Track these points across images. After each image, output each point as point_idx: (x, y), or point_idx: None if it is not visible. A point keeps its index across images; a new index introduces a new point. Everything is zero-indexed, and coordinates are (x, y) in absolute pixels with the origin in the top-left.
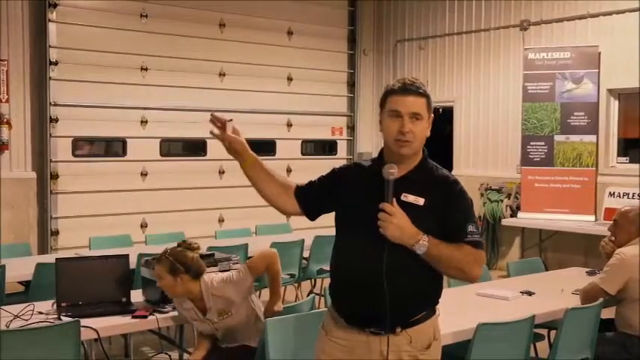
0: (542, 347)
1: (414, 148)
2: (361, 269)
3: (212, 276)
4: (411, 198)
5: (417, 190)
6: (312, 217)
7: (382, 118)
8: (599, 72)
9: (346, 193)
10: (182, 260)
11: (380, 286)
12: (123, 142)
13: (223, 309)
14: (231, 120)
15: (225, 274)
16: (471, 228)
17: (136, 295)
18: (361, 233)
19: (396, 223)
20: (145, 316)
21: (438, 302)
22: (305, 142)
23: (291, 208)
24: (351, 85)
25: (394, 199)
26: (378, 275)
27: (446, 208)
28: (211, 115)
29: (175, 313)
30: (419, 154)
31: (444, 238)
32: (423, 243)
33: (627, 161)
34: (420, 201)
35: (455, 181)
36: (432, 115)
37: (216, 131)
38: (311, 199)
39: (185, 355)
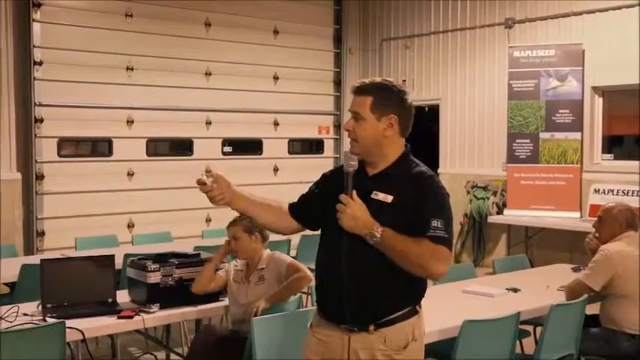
0: (528, 343)
1: (361, 147)
2: (328, 265)
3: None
4: (380, 196)
5: (390, 186)
6: (313, 228)
7: None
8: (583, 70)
9: (330, 195)
10: (254, 223)
11: (342, 282)
12: (109, 142)
13: (264, 275)
14: (208, 172)
15: (287, 256)
16: (435, 223)
17: (122, 296)
18: (331, 230)
19: (349, 213)
20: (131, 317)
21: (418, 302)
22: (292, 141)
23: (290, 228)
24: (338, 83)
25: (354, 191)
26: (340, 271)
27: (413, 204)
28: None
29: (162, 312)
30: (395, 152)
31: (411, 234)
32: (374, 233)
33: (612, 158)
34: (389, 198)
35: (429, 177)
36: (393, 115)
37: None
38: (305, 212)
39: (172, 355)
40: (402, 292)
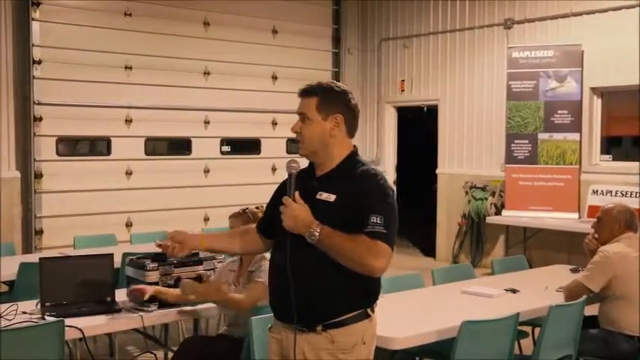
0: (527, 344)
1: (307, 149)
2: (275, 266)
3: None
4: (324, 195)
5: (335, 186)
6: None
7: None
8: (582, 70)
9: (277, 202)
10: (257, 219)
11: (288, 282)
12: (107, 141)
13: (253, 279)
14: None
15: None
16: (374, 219)
17: (121, 295)
18: (278, 233)
19: (288, 214)
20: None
21: (370, 306)
22: (290, 140)
23: (265, 246)
24: None
25: (296, 193)
26: (285, 271)
27: (355, 202)
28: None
29: (160, 311)
30: (341, 152)
31: (353, 232)
32: (313, 232)
33: (610, 159)
34: (332, 197)
35: (372, 175)
36: (338, 114)
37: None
38: (267, 225)
39: (170, 354)
40: (350, 294)
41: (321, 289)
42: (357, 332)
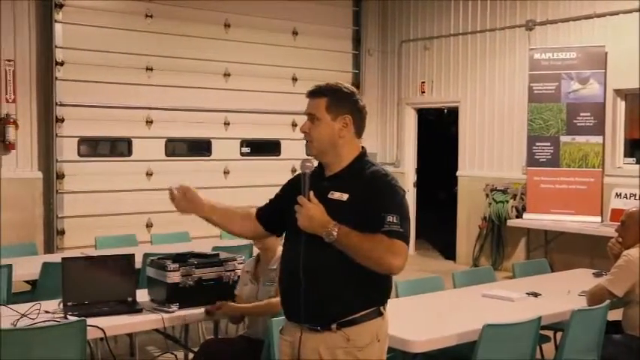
0: (549, 349)
1: (316, 149)
2: (288, 266)
3: None
4: (336, 195)
5: (346, 186)
6: (276, 233)
7: None
8: (605, 72)
9: (290, 198)
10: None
11: (300, 282)
12: (128, 142)
13: (275, 277)
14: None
15: None
16: (390, 218)
17: (142, 295)
18: (290, 232)
19: (305, 214)
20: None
21: (382, 304)
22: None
23: (255, 232)
24: (356, 85)
25: (311, 192)
26: (299, 271)
27: (368, 201)
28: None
29: (181, 312)
30: (350, 153)
31: (368, 231)
32: (331, 231)
33: (634, 162)
34: (344, 197)
35: (384, 175)
36: (347, 115)
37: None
38: (269, 216)
39: (190, 355)
40: (364, 292)
41: (335, 288)
42: (372, 330)
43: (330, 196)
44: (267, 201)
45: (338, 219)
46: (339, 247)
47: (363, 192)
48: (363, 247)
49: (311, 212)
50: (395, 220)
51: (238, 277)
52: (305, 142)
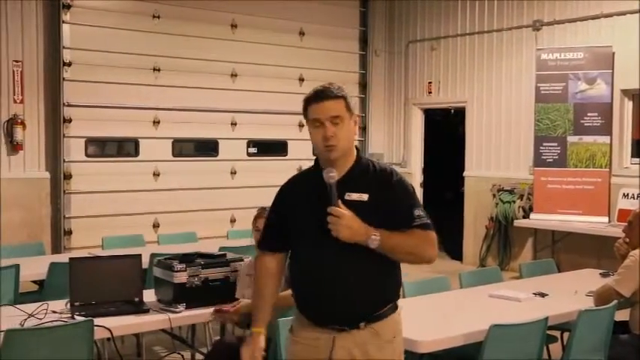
0: (556, 349)
1: (341, 150)
2: (314, 274)
3: None
4: (354, 196)
5: (359, 187)
6: (288, 249)
7: (308, 128)
8: (612, 72)
9: (294, 207)
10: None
11: (330, 287)
12: (135, 142)
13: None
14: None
15: None
16: (417, 212)
17: (149, 295)
18: (314, 239)
19: (344, 224)
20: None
21: (398, 297)
22: None
23: (282, 268)
24: (363, 85)
25: (339, 201)
26: (327, 277)
27: (389, 199)
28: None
29: (188, 312)
30: (352, 154)
31: (394, 228)
32: (374, 238)
33: None
34: (364, 197)
35: (393, 172)
36: (356, 114)
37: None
38: (279, 240)
39: (197, 355)
40: (387, 288)
41: (364, 288)
42: (395, 323)
43: (347, 197)
44: (264, 232)
45: (362, 220)
46: (382, 251)
47: (380, 190)
48: (406, 244)
49: (350, 222)
50: (421, 213)
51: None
52: (326, 146)
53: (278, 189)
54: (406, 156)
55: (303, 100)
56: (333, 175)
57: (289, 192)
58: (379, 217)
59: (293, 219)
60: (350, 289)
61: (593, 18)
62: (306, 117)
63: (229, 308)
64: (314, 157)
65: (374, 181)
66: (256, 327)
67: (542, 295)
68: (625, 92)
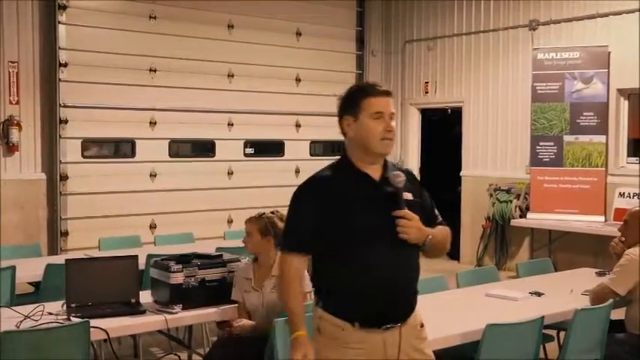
0: (552, 348)
1: (393, 146)
2: (380, 274)
3: None
4: (409, 196)
5: (405, 187)
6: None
7: (358, 120)
8: (608, 72)
9: (341, 206)
10: (274, 225)
11: (396, 286)
12: (132, 143)
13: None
14: None
15: None
16: (436, 210)
17: (145, 296)
18: (371, 239)
19: (416, 227)
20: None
21: None
22: (313, 142)
23: (304, 267)
24: None
25: (404, 203)
26: (392, 276)
27: (422, 197)
28: None
29: (185, 313)
30: None
31: (428, 225)
32: (430, 237)
33: (637, 161)
34: (409, 196)
35: (411, 170)
36: None
37: None
38: (308, 242)
39: (194, 356)
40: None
41: (414, 283)
42: (419, 313)
43: (404, 197)
44: (295, 232)
45: None
46: (428, 248)
47: (416, 189)
48: (442, 240)
49: (418, 224)
50: (437, 211)
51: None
52: (385, 138)
53: (304, 187)
54: (403, 156)
55: (357, 90)
56: (401, 180)
57: (328, 190)
58: (421, 216)
59: (340, 219)
60: (407, 286)
61: (589, 18)
62: (359, 108)
63: (233, 324)
64: (310, 158)
65: (407, 180)
66: (299, 330)
67: (539, 294)
68: (621, 92)
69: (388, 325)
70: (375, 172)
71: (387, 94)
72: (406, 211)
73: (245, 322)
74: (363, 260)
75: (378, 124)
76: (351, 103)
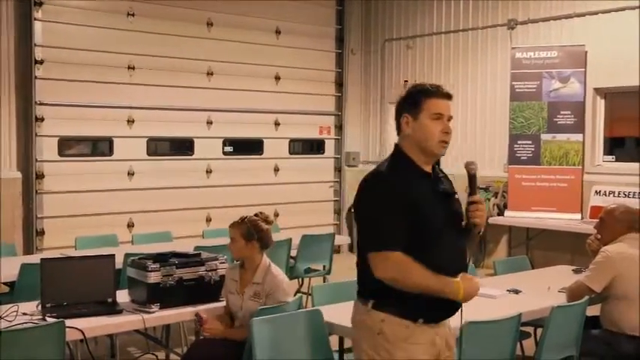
0: (529, 345)
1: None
2: (451, 266)
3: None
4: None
5: (446, 184)
6: None
7: (417, 120)
8: (585, 71)
9: (422, 204)
10: (258, 228)
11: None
12: (109, 141)
13: (259, 292)
14: None
15: (283, 274)
16: None
17: (122, 296)
18: (443, 234)
19: (484, 210)
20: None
21: None
22: (293, 141)
23: None
24: (339, 84)
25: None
26: (456, 266)
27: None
28: None
29: (162, 312)
30: None
31: None
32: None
33: (613, 160)
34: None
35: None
36: None
37: None
38: (404, 239)
39: (172, 356)
40: None
41: None
42: None
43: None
44: (397, 231)
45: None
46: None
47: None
48: None
49: (485, 209)
50: None
51: (221, 276)
52: (443, 141)
53: (384, 186)
54: (382, 154)
55: (420, 90)
56: (473, 168)
57: (408, 189)
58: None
59: (422, 216)
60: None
61: (567, 17)
62: (420, 108)
63: (206, 322)
64: (290, 156)
65: (446, 179)
66: (454, 281)
67: (516, 291)
68: (597, 91)
69: (443, 320)
70: (429, 170)
71: (449, 96)
72: (478, 197)
73: (216, 329)
74: (436, 259)
75: (437, 126)
76: (412, 102)
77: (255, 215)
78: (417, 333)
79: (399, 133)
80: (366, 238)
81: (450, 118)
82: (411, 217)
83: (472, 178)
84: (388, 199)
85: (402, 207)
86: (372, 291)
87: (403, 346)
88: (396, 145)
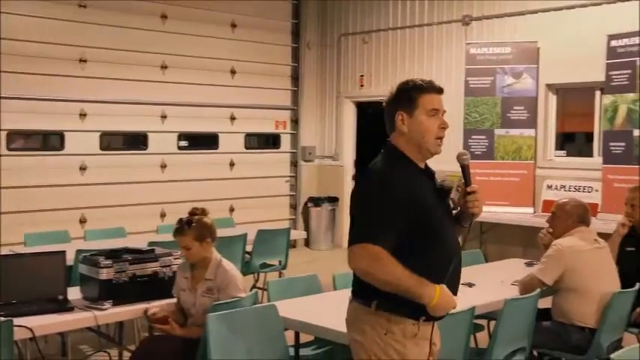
0: (482, 337)
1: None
2: (453, 260)
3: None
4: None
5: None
6: None
7: (412, 116)
8: (538, 67)
9: (424, 202)
10: (206, 226)
11: (460, 274)
12: (61, 135)
13: (212, 287)
14: None
15: (235, 269)
16: None
17: (74, 292)
18: (443, 232)
19: (482, 199)
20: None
21: None
22: (248, 135)
23: None
24: (295, 78)
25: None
26: (456, 262)
27: None
28: None
29: (115, 309)
30: None
31: None
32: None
33: (565, 155)
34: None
35: None
36: None
37: None
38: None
39: (125, 353)
40: None
41: None
42: None
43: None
44: (387, 228)
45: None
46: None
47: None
48: None
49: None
50: None
51: (174, 272)
52: (439, 137)
53: (383, 183)
54: (338, 149)
55: (413, 86)
56: (466, 158)
57: (409, 185)
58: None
59: (425, 212)
60: (460, 275)
61: (520, 14)
62: (415, 104)
63: (159, 318)
64: (245, 151)
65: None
66: (434, 286)
67: (470, 285)
68: (549, 87)
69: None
70: (423, 167)
71: (441, 91)
72: (476, 186)
73: (172, 329)
74: (438, 258)
75: (435, 121)
76: (406, 99)
77: (192, 214)
78: (422, 329)
79: (392, 132)
80: (353, 233)
81: (444, 113)
82: (414, 213)
83: (465, 168)
84: (386, 196)
85: (401, 204)
86: (374, 291)
87: (413, 341)
88: (390, 143)
